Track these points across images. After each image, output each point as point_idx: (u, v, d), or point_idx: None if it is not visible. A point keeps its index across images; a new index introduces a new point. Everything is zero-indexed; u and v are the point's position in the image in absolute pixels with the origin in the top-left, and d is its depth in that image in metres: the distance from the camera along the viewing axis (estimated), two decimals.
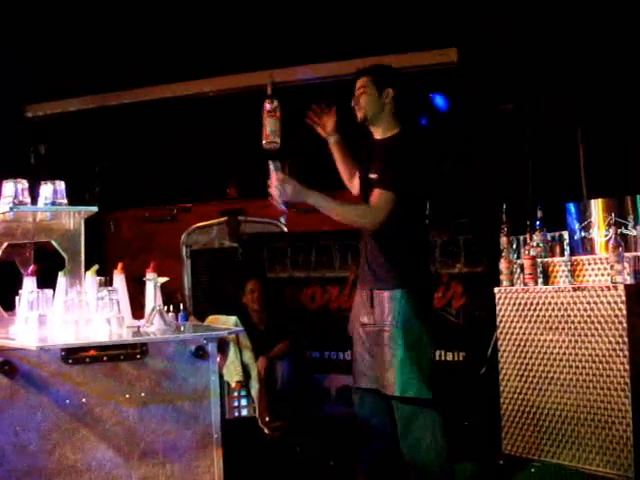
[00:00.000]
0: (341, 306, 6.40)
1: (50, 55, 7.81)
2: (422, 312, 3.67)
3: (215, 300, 7.31)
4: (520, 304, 5.08)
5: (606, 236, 4.90)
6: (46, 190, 3.23)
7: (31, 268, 3.27)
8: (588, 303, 4.67)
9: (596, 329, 4.62)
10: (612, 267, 4.66)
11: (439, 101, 7.52)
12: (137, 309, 3.56)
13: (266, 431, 5.44)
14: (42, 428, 2.93)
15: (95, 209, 3.33)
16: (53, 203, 3.23)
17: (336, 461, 4.97)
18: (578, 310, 4.73)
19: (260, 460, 4.78)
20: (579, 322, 4.72)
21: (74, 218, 3.41)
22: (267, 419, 5.40)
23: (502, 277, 5.24)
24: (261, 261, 6.81)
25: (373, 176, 3.69)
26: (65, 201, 3.28)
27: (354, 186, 4.03)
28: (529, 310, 5.02)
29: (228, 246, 7.71)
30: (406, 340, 3.59)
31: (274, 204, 3.67)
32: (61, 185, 3.26)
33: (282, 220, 7.78)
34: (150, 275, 3.37)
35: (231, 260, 7.31)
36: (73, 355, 2.96)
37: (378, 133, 3.82)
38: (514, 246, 5.34)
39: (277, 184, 3.60)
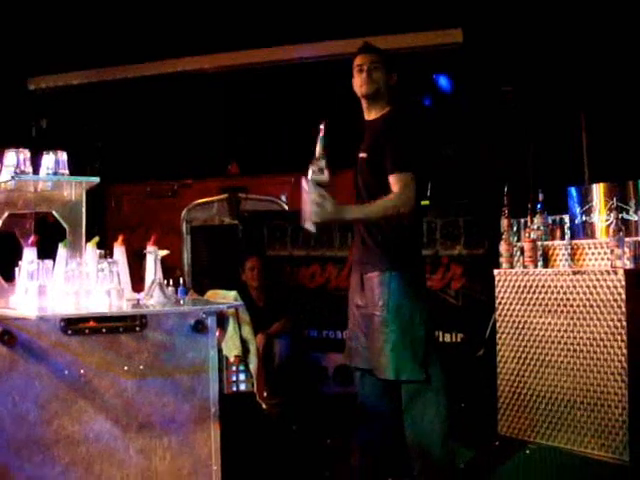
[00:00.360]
0: (339, 285, 6.41)
1: (53, 28, 7.75)
2: (412, 294, 3.66)
3: (214, 276, 7.31)
4: (519, 287, 5.08)
5: (607, 221, 4.89)
6: (48, 160, 3.22)
7: (32, 239, 3.27)
8: (587, 287, 4.68)
9: (595, 313, 4.62)
10: (612, 252, 4.67)
11: (443, 82, 7.50)
12: (137, 283, 3.56)
13: (264, 406, 5.46)
14: (40, 398, 2.93)
15: (97, 180, 3.32)
16: (55, 173, 3.21)
17: (333, 439, 4.99)
18: (577, 294, 4.74)
19: (257, 435, 4.80)
20: (578, 306, 4.73)
21: (76, 189, 3.40)
22: (265, 394, 5.42)
23: (502, 259, 5.25)
24: (261, 239, 6.81)
25: (363, 155, 3.72)
26: (67, 172, 3.26)
27: None
28: (528, 293, 5.03)
29: (228, 223, 7.71)
30: (397, 324, 3.60)
31: (304, 225, 3.46)
32: (63, 156, 3.25)
33: (283, 198, 7.78)
34: (151, 248, 3.36)
35: (231, 237, 7.30)
36: (72, 326, 2.96)
37: (373, 113, 3.82)
38: (514, 229, 5.34)
39: (316, 202, 3.40)
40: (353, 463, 3.94)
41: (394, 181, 3.55)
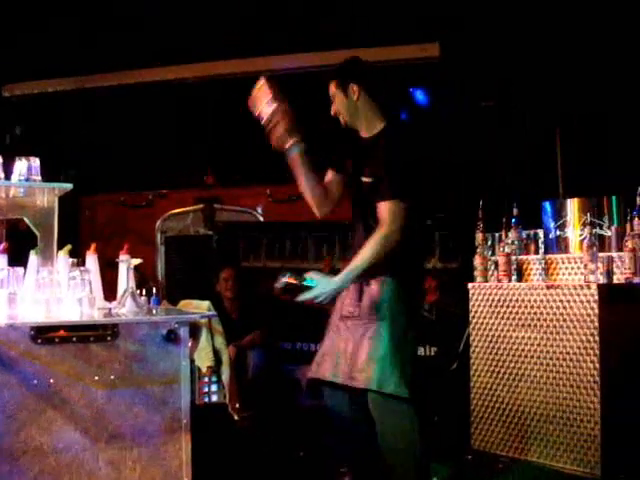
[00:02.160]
0: None
1: (29, 35, 7.71)
2: (410, 308, 3.56)
3: (188, 287, 7.27)
4: (493, 300, 5.09)
5: (581, 235, 4.92)
6: (21, 166, 3.18)
7: (2, 245, 3.23)
8: (561, 301, 4.69)
9: (568, 327, 4.64)
10: (586, 266, 4.69)
11: (420, 96, 7.53)
12: (109, 293, 3.52)
13: (236, 417, 5.42)
14: (9, 408, 2.88)
15: (70, 186, 3.28)
16: (27, 180, 3.18)
17: (305, 452, 4.96)
18: (551, 308, 4.75)
19: (229, 447, 4.76)
20: (551, 320, 4.74)
21: (48, 195, 3.35)
22: (237, 406, 5.38)
23: (476, 273, 5.27)
24: (236, 250, 6.78)
25: (367, 180, 3.53)
26: (39, 178, 3.23)
27: (323, 210, 3.77)
28: (502, 307, 5.04)
29: (203, 234, 7.68)
30: (391, 335, 3.47)
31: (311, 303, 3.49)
32: (36, 162, 3.21)
33: (258, 209, 7.77)
34: (123, 257, 3.33)
35: (206, 248, 7.28)
36: (42, 335, 2.91)
37: (363, 132, 3.66)
38: (489, 243, 5.36)
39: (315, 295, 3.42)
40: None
41: (382, 209, 3.41)
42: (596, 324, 4.49)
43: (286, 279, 3.49)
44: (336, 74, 3.66)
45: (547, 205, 5.18)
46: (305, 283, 3.46)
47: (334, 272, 3.76)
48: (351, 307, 3.61)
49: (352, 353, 3.54)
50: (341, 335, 3.63)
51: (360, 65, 3.71)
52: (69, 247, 3.34)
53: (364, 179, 3.55)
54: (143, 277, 3.38)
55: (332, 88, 3.64)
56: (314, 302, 3.44)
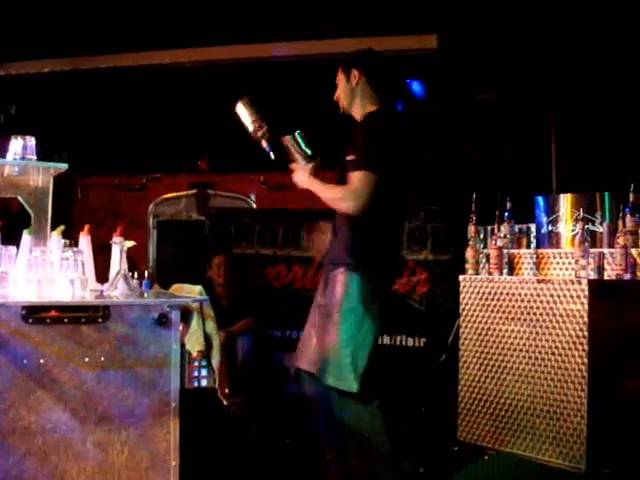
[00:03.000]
0: (305, 286, 6.41)
1: (26, 14, 7.67)
2: (368, 298, 3.51)
3: (180, 272, 7.26)
4: (484, 293, 5.10)
5: (573, 231, 4.93)
6: (16, 145, 3.18)
7: None
8: (551, 296, 4.71)
9: (557, 322, 4.66)
10: (577, 262, 4.71)
11: (416, 87, 7.52)
12: (102, 276, 3.52)
13: (225, 403, 5.43)
14: None
15: (65, 166, 3.28)
16: (22, 158, 3.17)
17: (292, 439, 4.98)
18: (541, 302, 4.77)
19: (217, 433, 4.77)
20: (541, 314, 4.76)
21: (43, 175, 3.35)
22: (226, 391, 5.39)
23: (468, 266, 5.28)
24: (228, 236, 6.78)
25: (350, 158, 3.55)
26: (34, 157, 3.22)
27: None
28: (492, 300, 5.05)
29: (195, 219, 7.66)
30: (346, 327, 3.48)
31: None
32: (32, 141, 3.21)
33: (252, 196, 7.76)
34: (117, 239, 3.33)
35: (198, 233, 7.26)
36: (34, 315, 2.92)
37: (357, 113, 3.72)
38: (481, 236, 5.37)
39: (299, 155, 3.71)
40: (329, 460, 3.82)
41: (354, 177, 3.46)
42: (585, 319, 4.51)
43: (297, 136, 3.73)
44: (345, 61, 3.77)
45: (540, 200, 5.19)
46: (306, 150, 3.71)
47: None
48: (319, 296, 3.70)
49: (316, 343, 3.60)
50: (313, 324, 3.70)
51: (369, 55, 3.84)
52: (62, 228, 3.33)
53: (347, 158, 3.58)
54: (132, 262, 3.37)
55: (339, 74, 3.75)
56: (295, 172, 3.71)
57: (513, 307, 4.93)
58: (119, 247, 3.29)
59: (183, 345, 3.34)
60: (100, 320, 3.01)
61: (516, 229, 5.27)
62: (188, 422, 3.25)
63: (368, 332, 3.54)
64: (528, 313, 4.83)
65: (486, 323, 5.07)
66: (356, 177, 3.46)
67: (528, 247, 5.21)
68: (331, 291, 3.58)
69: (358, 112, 3.72)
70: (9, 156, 3.20)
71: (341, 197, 3.53)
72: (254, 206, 7.81)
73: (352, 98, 3.71)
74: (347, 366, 3.47)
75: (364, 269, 3.53)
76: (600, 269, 4.69)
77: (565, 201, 5.05)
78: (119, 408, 3.05)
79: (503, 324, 4.98)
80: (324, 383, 3.53)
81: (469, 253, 5.27)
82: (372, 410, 3.53)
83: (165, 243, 7.73)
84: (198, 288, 4.49)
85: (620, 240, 4.66)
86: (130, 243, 3.31)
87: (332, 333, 3.51)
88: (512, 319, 4.93)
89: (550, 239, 5.09)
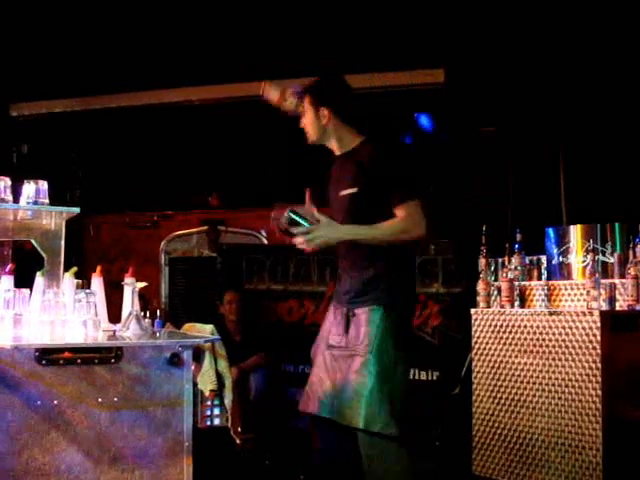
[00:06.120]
0: (316, 321, 6.40)
1: (37, 54, 7.78)
2: (400, 338, 3.35)
3: (192, 309, 7.30)
4: (496, 326, 5.09)
5: (584, 262, 4.93)
6: (29, 189, 3.21)
7: (9, 267, 3.25)
8: (563, 328, 4.70)
9: (570, 354, 4.64)
10: (588, 293, 4.70)
11: (424, 121, 7.57)
12: (114, 314, 3.54)
13: (237, 441, 5.42)
14: (12, 429, 2.88)
15: (77, 210, 3.31)
16: (35, 202, 3.20)
17: (306, 475, 4.95)
18: (553, 334, 4.75)
19: (230, 471, 4.76)
20: (554, 346, 4.74)
21: (55, 218, 3.38)
22: (239, 429, 5.38)
23: (479, 298, 5.27)
24: (240, 272, 6.80)
25: (350, 191, 3.39)
26: (47, 201, 3.25)
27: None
28: (504, 332, 5.04)
29: (207, 255, 7.71)
30: (379, 369, 3.27)
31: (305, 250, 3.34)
32: (44, 185, 3.24)
33: (262, 232, 7.79)
34: (128, 279, 3.35)
35: (210, 270, 7.29)
36: (47, 356, 2.93)
37: (336, 149, 3.55)
38: (492, 268, 5.37)
39: (310, 231, 3.26)
40: None
41: (402, 210, 3.27)
42: (598, 351, 4.49)
43: (291, 214, 3.30)
44: (312, 90, 3.54)
45: (550, 231, 5.19)
46: (305, 224, 3.28)
47: None
48: (337, 337, 3.46)
49: (339, 387, 3.37)
50: (327, 365, 3.47)
51: (334, 86, 3.57)
52: (75, 269, 3.37)
53: (345, 192, 3.42)
54: (144, 299, 3.40)
55: (306, 102, 3.53)
56: (305, 243, 3.26)
57: (525, 339, 4.91)
58: (131, 288, 3.31)
59: (195, 384, 3.34)
60: (113, 361, 3.02)
61: (527, 261, 5.27)
62: (201, 461, 3.25)
63: (402, 374, 3.41)
64: (540, 345, 4.82)
65: (499, 356, 5.05)
66: (404, 209, 3.28)
67: (539, 279, 5.21)
68: (356, 330, 3.36)
69: (338, 147, 3.54)
70: (22, 200, 3.24)
71: (403, 228, 3.29)
72: (265, 242, 7.84)
73: (323, 136, 3.52)
74: (385, 409, 3.27)
75: (393, 306, 3.36)
76: (612, 300, 4.68)
77: (575, 232, 5.06)
78: (132, 448, 3.05)
79: (516, 357, 4.96)
80: (351, 427, 3.32)
81: (480, 286, 5.27)
82: (403, 456, 3.34)
83: (177, 280, 7.78)
84: (210, 327, 4.53)
85: (631, 270, 4.65)
86: (141, 284, 3.33)
87: (363, 374, 3.29)
88: (525, 352, 4.91)
89: (561, 270, 5.08)
